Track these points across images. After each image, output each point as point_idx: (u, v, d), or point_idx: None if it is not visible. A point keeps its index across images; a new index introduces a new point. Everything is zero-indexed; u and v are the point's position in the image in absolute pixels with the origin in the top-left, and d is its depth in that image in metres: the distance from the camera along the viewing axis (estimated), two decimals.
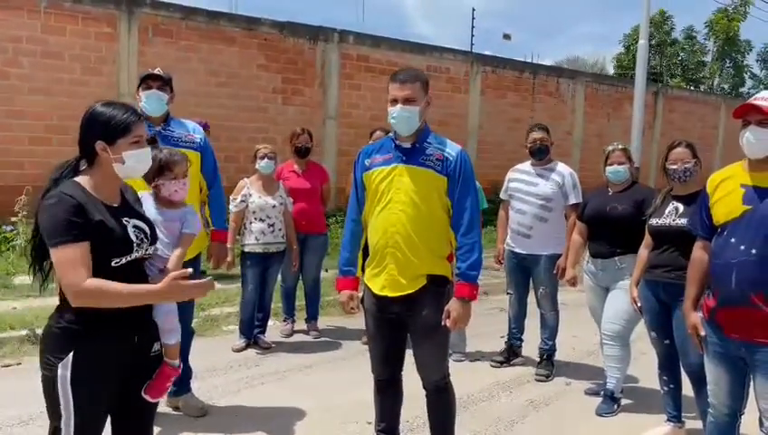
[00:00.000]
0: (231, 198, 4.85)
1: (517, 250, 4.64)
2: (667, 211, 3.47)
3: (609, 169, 4.07)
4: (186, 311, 3.64)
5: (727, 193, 2.70)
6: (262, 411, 3.83)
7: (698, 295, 2.84)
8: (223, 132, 9.85)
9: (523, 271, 4.68)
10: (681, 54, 23.06)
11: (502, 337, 5.07)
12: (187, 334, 3.71)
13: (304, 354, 4.96)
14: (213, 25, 9.86)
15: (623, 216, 3.92)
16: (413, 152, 2.80)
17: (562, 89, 14.42)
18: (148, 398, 2.20)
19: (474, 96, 12.88)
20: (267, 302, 5.10)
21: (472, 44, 18.25)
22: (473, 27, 18.77)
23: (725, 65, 23.01)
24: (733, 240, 2.62)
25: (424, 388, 2.96)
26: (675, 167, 3.44)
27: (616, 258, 3.98)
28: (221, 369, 4.52)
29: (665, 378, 3.66)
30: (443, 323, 2.76)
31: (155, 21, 9.37)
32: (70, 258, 1.89)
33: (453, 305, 2.74)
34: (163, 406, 3.76)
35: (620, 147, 4.14)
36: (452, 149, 2.81)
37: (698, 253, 2.86)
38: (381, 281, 2.84)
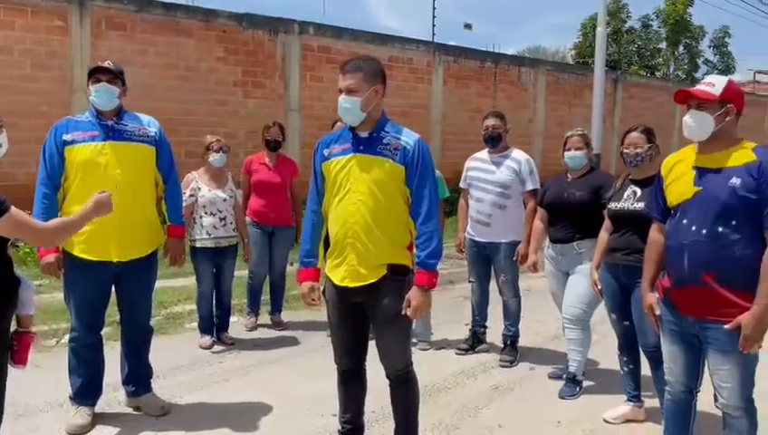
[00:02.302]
0: None
1: (477, 238, 4.66)
2: (625, 195, 3.52)
3: (566, 154, 4.12)
4: (141, 308, 3.58)
5: (680, 175, 2.75)
6: (225, 408, 3.78)
7: (655, 276, 2.89)
8: (182, 126, 9.67)
9: (484, 259, 4.71)
10: (637, 42, 23.49)
11: (466, 325, 5.11)
12: (145, 333, 3.64)
13: (269, 349, 4.91)
14: (169, 18, 9.66)
15: (581, 201, 3.96)
16: (370, 142, 2.78)
17: (524, 78, 14.56)
18: (19, 367, 2.55)
19: (436, 86, 12.91)
20: (226, 297, 5.01)
21: (433, 35, 18.26)
22: (434, 17, 18.77)
23: (679, 52, 23.51)
24: (685, 221, 2.67)
25: (387, 377, 2.95)
26: (627, 151, 3.49)
27: (574, 243, 4.02)
28: (184, 367, 4.44)
29: (624, 359, 3.72)
30: (403, 313, 2.75)
31: (108, 14, 9.14)
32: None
33: (413, 294, 2.73)
34: (123, 406, 3.69)
35: (579, 132, 4.18)
36: (409, 137, 2.79)
37: (654, 235, 2.91)
38: (342, 272, 2.83)
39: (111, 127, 3.30)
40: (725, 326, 2.55)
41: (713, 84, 2.65)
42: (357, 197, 2.74)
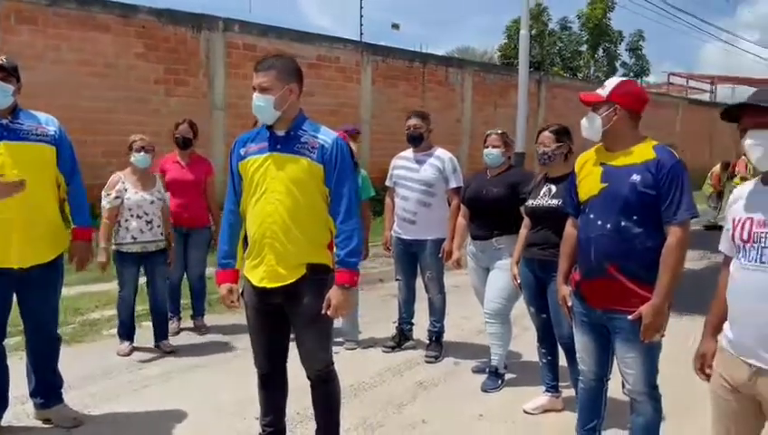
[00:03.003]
0: (104, 193, 4.57)
1: (403, 236, 4.70)
2: (541, 192, 3.64)
3: (485, 151, 4.21)
4: (46, 316, 3.40)
5: (588, 173, 2.86)
6: (144, 417, 3.66)
7: (569, 269, 3.00)
8: (100, 126, 9.32)
9: (411, 256, 4.75)
10: (559, 44, 24.32)
11: (394, 323, 5.13)
12: (52, 341, 3.46)
13: (191, 354, 4.78)
14: (84, 12, 9.25)
15: (498, 198, 4.06)
16: (287, 140, 2.75)
17: (451, 78, 14.78)
18: None
19: (365, 85, 12.94)
20: (160, 303, 4.83)
21: (361, 34, 18.29)
22: (361, 17, 18.80)
23: (599, 54, 24.50)
24: (592, 216, 2.78)
25: (308, 378, 2.92)
26: (538, 150, 3.64)
27: (493, 239, 4.12)
28: (99, 375, 4.26)
29: (543, 350, 3.84)
30: (324, 312, 2.73)
31: (18, 7, 8.66)
32: None
33: (333, 293, 2.71)
34: (32, 419, 3.51)
35: (499, 132, 4.28)
36: (327, 136, 2.77)
37: (569, 229, 3.01)
38: (260, 272, 2.78)
39: (6, 126, 3.12)
40: (629, 317, 2.67)
41: (605, 87, 2.78)
42: (274, 196, 2.70)
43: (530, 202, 3.67)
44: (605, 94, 2.77)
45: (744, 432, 2.24)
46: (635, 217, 2.67)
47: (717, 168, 13.35)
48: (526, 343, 4.55)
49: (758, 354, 2.10)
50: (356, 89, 12.80)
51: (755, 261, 2.09)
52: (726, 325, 2.25)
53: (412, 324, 5.02)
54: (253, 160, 2.78)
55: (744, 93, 36.72)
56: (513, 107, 13.34)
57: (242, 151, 2.84)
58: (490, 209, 4.12)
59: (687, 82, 35.54)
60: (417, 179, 4.60)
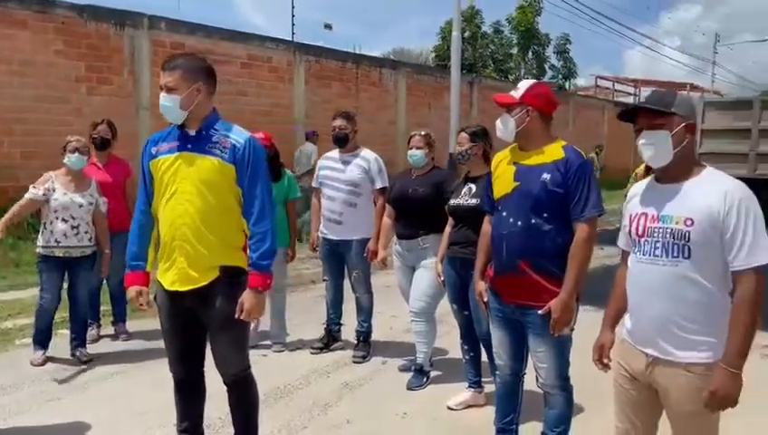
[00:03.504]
0: (31, 186, 4.41)
1: (330, 237, 4.70)
2: (462, 191, 3.71)
3: (408, 152, 4.26)
4: None
5: (503, 171, 2.93)
6: (57, 429, 3.51)
7: (485, 266, 3.06)
8: (18, 126, 8.92)
9: (337, 257, 4.75)
10: (491, 47, 24.85)
11: (323, 324, 5.12)
12: None
13: (110, 362, 4.61)
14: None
15: (423, 197, 4.11)
16: (198, 140, 2.69)
17: (385, 79, 14.86)
18: None
19: (298, 86, 12.84)
20: (80, 310, 4.63)
21: (293, 34, 18.15)
22: (293, 16, 18.66)
23: (529, 57, 25.18)
24: (504, 214, 2.86)
25: (224, 383, 2.87)
26: (455, 150, 3.71)
27: (419, 239, 4.16)
28: (10, 387, 4.06)
29: (466, 347, 3.92)
30: (237, 316, 2.68)
31: None
32: None
33: (246, 296, 2.66)
34: None
35: (422, 133, 4.35)
36: (239, 135, 2.71)
37: (485, 227, 3.08)
38: (172, 275, 2.72)
39: None
40: (539, 311, 2.75)
41: (517, 89, 2.86)
42: (184, 197, 2.64)
43: (451, 201, 3.74)
44: (518, 96, 2.85)
45: (644, 420, 2.34)
46: (545, 215, 2.76)
47: (642, 168, 13.88)
48: (453, 340, 4.61)
49: (654, 344, 2.20)
50: (289, 89, 12.68)
51: (649, 255, 2.19)
52: (626, 317, 2.36)
53: (340, 325, 5.02)
54: (163, 160, 2.71)
55: None
56: (447, 108, 13.52)
57: (153, 150, 2.77)
58: (415, 209, 4.17)
59: (614, 85, 36.98)
60: (343, 180, 4.61)
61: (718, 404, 2.08)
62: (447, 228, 3.83)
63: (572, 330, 2.87)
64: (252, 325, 4.72)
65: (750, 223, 2.04)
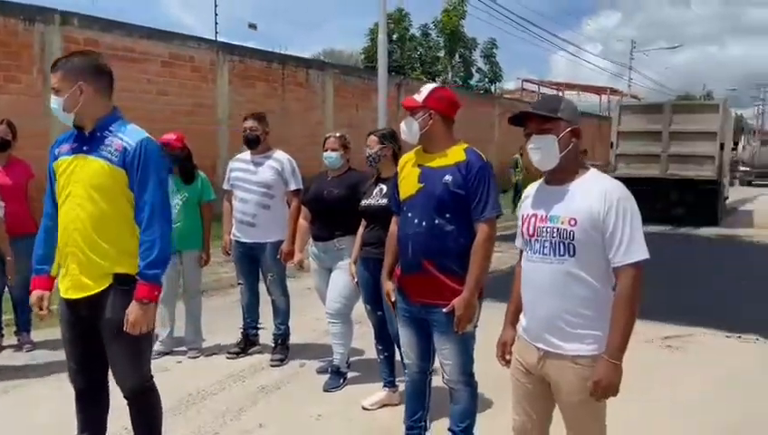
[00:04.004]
0: None
1: (243, 239, 4.63)
2: (374, 192, 3.74)
3: (324, 154, 4.26)
4: None
5: (409, 173, 2.98)
6: None
7: (393, 266, 3.10)
8: None
9: (251, 260, 4.69)
10: (419, 49, 25.17)
11: (240, 328, 5.04)
12: None
13: (9, 376, 4.38)
14: None
15: (338, 199, 4.12)
16: (92, 141, 2.59)
17: (312, 80, 14.79)
18: None
19: (221, 85, 12.60)
20: None
21: (216, 33, 17.79)
22: (216, 15, 18.28)
23: (456, 60, 25.65)
24: (410, 214, 2.91)
25: (123, 396, 2.76)
26: (365, 152, 3.75)
27: (335, 240, 4.17)
28: None
29: (380, 347, 3.95)
30: (125, 328, 2.54)
31: None
32: None
33: (131, 308, 2.53)
34: None
35: (337, 135, 4.35)
36: (132, 137, 2.59)
37: (393, 227, 3.12)
38: (66, 282, 2.62)
39: None
40: (443, 310, 2.81)
41: (420, 93, 2.92)
42: (76, 201, 2.54)
43: (363, 202, 3.77)
44: (421, 100, 2.90)
45: (538, 411, 2.43)
46: (448, 216, 2.82)
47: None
48: (372, 341, 4.63)
49: (544, 339, 2.29)
50: (212, 89, 12.43)
51: (539, 253, 2.28)
52: (522, 313, 2.44)
53: (258, 329, 4.96)
54: (62, 162, 2.62)
55: (587, 100, 40.12)
56: (375, 110, 13.57)
57: (56, 151, 2.68)
58: (330, 210, 4.17)
59: (539, 88, 38.26)
60: (256, 181, 4.55)
61: (602, 393, 2.18)
62: (360, 229, 3.85)
63: (476, 327, 2.96)
64: (157, 333, 4.62)
65: (627, 222, 2.16)
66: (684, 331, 5.68)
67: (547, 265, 2.26)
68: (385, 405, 3.90)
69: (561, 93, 38.82)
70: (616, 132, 15.04)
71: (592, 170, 2.33)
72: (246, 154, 4.70)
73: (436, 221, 2.82)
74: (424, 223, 2.84)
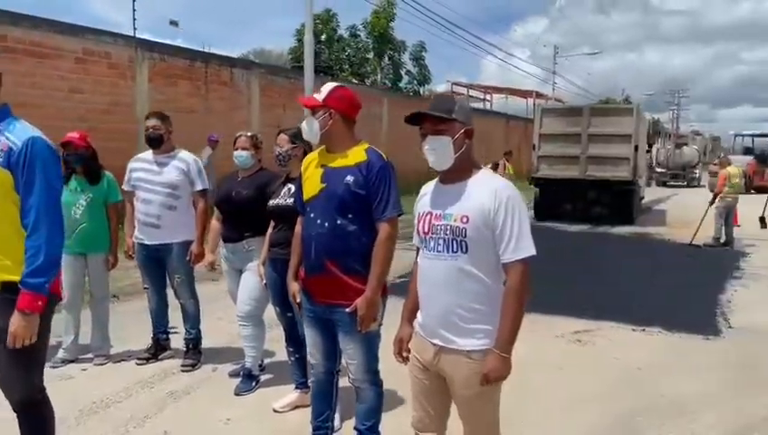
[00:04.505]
0: None
1: (147, 242, 4.49)
2: (282, 192, 3.70)
3: (234, 153, 4.19)
4: None
5: (312, 173, 2.97)
6: None
7: (298, 266, 3.08)
8: None
9: (157, 262, 4.55)
10: (348, 50, 25.17)
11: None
12: None
13: None
14: None
15: (247, 199, 4.06)
16: None
17: (237, 79, 14.53)
18: None
19: (140, 83, 12.19)
20: None
21: (135, 29, 17.22)
22: (134, 11, 17.71)
23: (385, 62, 25.81)
24: (312, 215, 2.89)
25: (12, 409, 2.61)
26: (274, 151, 3.72)
27: (244, 241, 4.11)
28: None
29: (291, 349, 3.92)
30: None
31: None
32: None
33: (12, 319, 2.38)
34: None
35: (248, 134, 4.29)
36: (19, 136, 2.44)
37: (298, 228, 3.10)
38: None
39: None
40: (346, 310, 2.82)
41: (321, 92, 2.92)
42: None
43: (271, 202, 3.72)
44: (321, 99, 2.90)
45: (435, 406, 2.47)
46: (350, 216, 2.83)
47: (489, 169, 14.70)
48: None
49: (439, 334, 2.33)
50: (131, 87, 12.01)
51: (434, 250, 2.32)
52: (419, 310, 2.47)
53: (169, 333, 4.83)
54: None
55: (515, 103, 41.22)
56: (302, 110, 13.44)
57: None
58: (240, 211, 4.10)
59: (468, 91, 39.03)
60: (160, 182, 4.42)
61: (491, 385, 2.24)
62: (269, 230, 3.81)
63: (380, 326, 2.98)
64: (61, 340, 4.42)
65: (516, 219, 2.22)
66: (593, 325, 5.91)
67: (441, 262, 2.29)
68: (297, 407, 3.87)
69: (489, 96, 39.88)
70: (538, 135, 15.51)
71: (484, 170, 2.39)
72: (148, 154, 4.55)
73: (339, 221, 2.82)
74: (326, 223, 2.83)
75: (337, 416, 3.51)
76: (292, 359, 3.93)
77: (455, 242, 2.26)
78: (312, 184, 2.93)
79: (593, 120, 14.98)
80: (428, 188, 2.47)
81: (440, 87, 38.54)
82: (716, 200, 11.56)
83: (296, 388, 3.93)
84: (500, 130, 30.38)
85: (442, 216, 2.31)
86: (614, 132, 14.62)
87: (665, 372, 4.72)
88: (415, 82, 26.77)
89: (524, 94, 42.01)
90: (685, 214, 14.55)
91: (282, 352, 4.66)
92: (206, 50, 15.82)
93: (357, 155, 2.87)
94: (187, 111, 12.86)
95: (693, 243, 11.34)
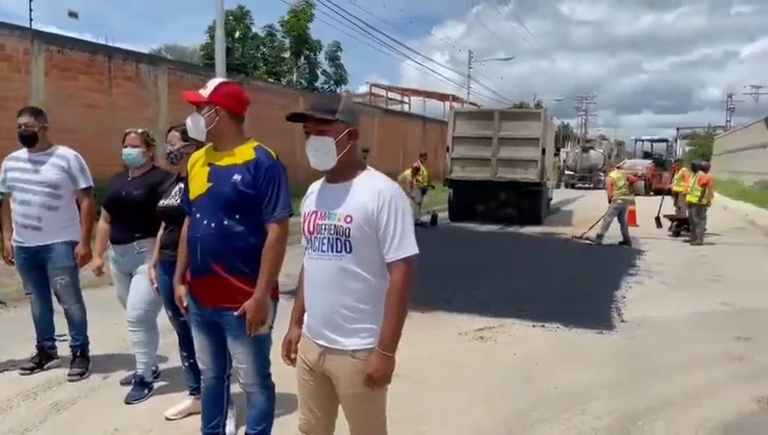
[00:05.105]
0: None
1: (27, 244, 4.21)
2: (173, 192, 3.56)
3: (123, 151, 4.01)
4: None
5: (198, 172, 2.87)
6: None
7: (185, 269, 2.97)
8: None
9: (38, 265, 4.27)
10: (263, 49, 24.75)
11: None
12: None
13: None
14: None
15: (138, 199, 3.89)
16: None
17: (143, 75, 13.96)
18: None
19: (36, 77, 11.48)
20: None
21: (31, 20, 16.23)
22: (30, 1, 16.68)
23: (301, 62, 25.58)
24: (198, 215, 2.80)
25: None
26: (165, 149, 3.58)
27: (135, 243, 3.94)
28: None
29: (184, 354, 3.78)
30: None
31: None
32: None
33: None
34: None
35: (138, 130, 4.12)
36: None
37: (184, 229, 2.98)
38: None
39: None
40: (235, 313, 2.74)
41: (206, 87, 2.83)
42: None
43: (161, 202, 3.58)
44: (206, 95, 2.81)
45: (322, 408, 2.44)
46: (237, 216, 2.75)
47: (408, 172, 14.84)
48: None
49: (324, 335, 2.30)
50: (25, 80, 11.28)
51: (318, 250, 2.29)
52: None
53: (55, 341, 4.55)
54: None
55: (433, 106, 41.92)
56: None
57: None
58: (131, 211, 3.93)
59: (387, 93, 39.34)
60: (39, 181, 4.15)
61: (376, 384, 2.23)
62: (160, 231, 3.66)
63: (271, 328, 2.91)
64: None
65: (399, 219, 2.22)
66: (495, 322, 6.06)
67: (325, 262, 2.27)
68: (191, 414, 3.73)
69: (406, 98, 40.35)
70: (451, 137, 15.82)
71: (369, 170, 2.37)
72: (23, 152, 4.26)
73: (226, 222, 2.74)
74: (212, 224, 2.74)
75: (232, 422, 3.43)
76: (186, 364, 3.79)
77: (338, 242, 2.24)
78: (198, 183, 2.83)
79: (503, 124, 15.43)
80: (315, 188, 2.43)
81: (360, 88, 38.68)
82: (610, 202, 12.26)
83: (190, 394, 3.80)
84: (417, 132, 30.78)
85: (327, 215, 2.28)
86: (522, 136, 15.12)
87: (560, 366, 4.90)
88: (332, 82, 26.69)
89: (442, 97, 42.77)
90: (590, 214, 15.20)
91: (178, 358, 4.52)
92: (109, 43, 15.11)
93: (245, 153, 2.80)
94: (90, 106, 12.25)
95: (581, 236, 12.38)
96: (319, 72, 26.13)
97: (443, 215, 15.88)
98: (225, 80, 2.95)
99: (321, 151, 2.26)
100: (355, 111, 2.37)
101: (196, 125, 2.80)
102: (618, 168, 13.57)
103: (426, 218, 14.92)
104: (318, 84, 25.90)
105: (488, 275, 8.44)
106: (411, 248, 2.23)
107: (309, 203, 2.39)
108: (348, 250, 2.24)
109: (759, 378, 4.75)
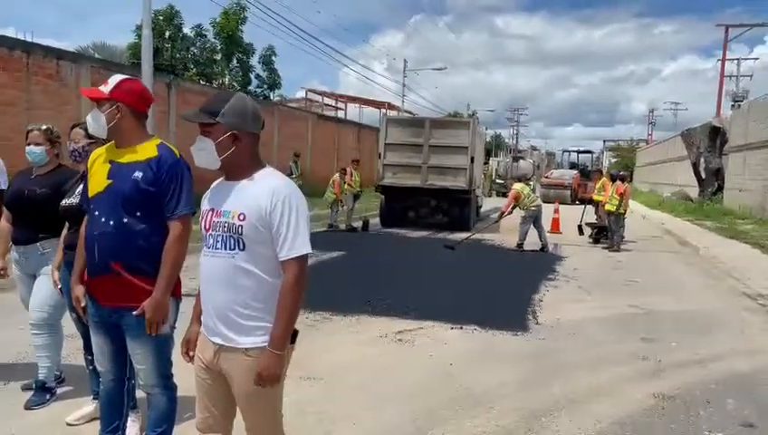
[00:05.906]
0: None
1: None
2: (77, 191, 3.47)
3: (26, 149, 3.87)
4: None
5: (98, 169, 2.82)
6: None
7: (84, 269, 2.90)
8: None
9: None
10: (193, 50, 24.26)
11: None
12: None
13: None
14: None
15: (42, 199, 3.77)
16: None
17: (65, 73, 13.46)
18: None
19: None
20: None
21: None
22: None
23: (233, 64, 25.24)
24: (97, 213, 2.75)
25: None
26: (68, 146, 3.52)
27: (38, 244, 3.82)
28: None
29: (89, 358, 3.67)
30: None
31: None
32: None
33: None
34: None
35: (42, 127, 3.99)
36: None
37: (82, 228, 2.92)
38: None
39: None
40: (134, 313, 2.70)
41: (107, 84, 2.79)
42: None
43: (63, 201, 3.50)
44: (107, 91, 2.76)
45: (218, 406, 2.44)
46: (138, 214, 2.72)
47: (337, 176, 14.89)
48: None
49: (219, 333, 2.31)
50: None
51: (213, 248, 2.30)
52: None
53: None
54: None
55: (370, 113, 42.12)
56: None
57: None
58: (34, 211, 3.80)
59: (322, 98, 39.34)
60: None
61: (265, 383, 2.25)
62: (64, 231, 3.56)
63: (173, 328, 2.89)
64: None
65: (293, 218, 2.25)
66: (415, 325, 6.17)
67: (219, 260, 2.28)
68: (94, 419, 3.62)
69: (343, 105, 40.46)
70: (383, 144, 15.97)
71: (267, 169, 2.39)
72: None
73: (125, 220, 2.70)
74: (111, 222, 2.70)
75: (136, 426, 3.37)
76: (90, 368, 3.69)
77: (232, 239, 2.26)
78: (98, 180, 2.78)
79: (434, 132, 15.71)
80: (214, 186, 2.44)
81: (297, 94, 38.51)
82: (523, 211, 12.65)
83: (93, 399, 3.70)
84: (352, 138, 30.91)
85: (221, 213, 2.30)
86: (452, 144, 15.44)
87: (473, 367, 5.04)
88: (265, 86, 26.44)
89: (378, 105, 43.09)
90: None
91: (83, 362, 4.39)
92: (27, 39, 14.49)
93: (147, 150, 2.77)
94: (5, 103, 11.72)
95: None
96: (252, 75, 25.87)
97: (375, 221, 15.99)
98: (126, 76, 2.91)
99: (204, 152, 2.30)
100: (246, 113, 2.32)
101: (96, 122, 2.75)
102: (546, 177, 14.03)
103: (357, 224, 14.99)
104: (251, 88, 25.60)
105: (413, 279, 8.56)
106: (304, 247, 2.27)
107: (207, 201, 2.40)
108: (241, 248, 2.26)
109: (659, 376, 5.02)
